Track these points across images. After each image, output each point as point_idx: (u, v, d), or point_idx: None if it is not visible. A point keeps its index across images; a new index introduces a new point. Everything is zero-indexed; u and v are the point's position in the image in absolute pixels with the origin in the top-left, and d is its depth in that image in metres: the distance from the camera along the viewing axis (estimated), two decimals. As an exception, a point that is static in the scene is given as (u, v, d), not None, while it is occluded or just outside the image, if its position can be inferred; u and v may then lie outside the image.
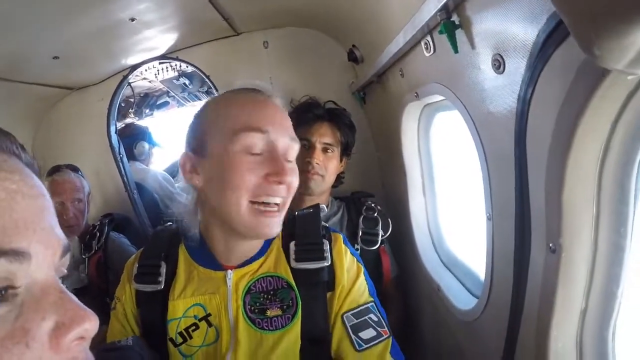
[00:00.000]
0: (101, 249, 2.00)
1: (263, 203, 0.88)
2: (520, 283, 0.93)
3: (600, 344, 0.81)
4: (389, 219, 1.75)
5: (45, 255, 0.42)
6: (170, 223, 1.13)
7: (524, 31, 0.71)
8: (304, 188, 1.71)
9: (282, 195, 0.89)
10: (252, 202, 0.88)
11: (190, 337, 0.95)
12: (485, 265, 1.13)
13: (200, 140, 0.94)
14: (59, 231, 0.45)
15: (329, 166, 1.73)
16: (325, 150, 1.74)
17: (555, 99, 0.68)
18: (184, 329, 0.95)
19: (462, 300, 1.38)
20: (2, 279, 0.37)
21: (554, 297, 0.81)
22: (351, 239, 1.70)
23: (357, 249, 1.68)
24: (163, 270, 1.00)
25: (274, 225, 0.90)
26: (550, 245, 0.79)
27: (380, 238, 1.69)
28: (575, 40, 0.47)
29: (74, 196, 1.97)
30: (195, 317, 0.95)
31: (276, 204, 0.90)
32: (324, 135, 1.74)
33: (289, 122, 0.95)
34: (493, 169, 1.00)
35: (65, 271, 0.47)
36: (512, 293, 0.97)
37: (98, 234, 2.03)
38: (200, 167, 0.93)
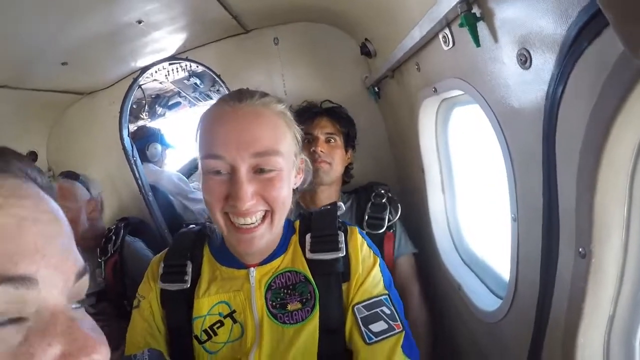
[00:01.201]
0: (117, 253, 1.99)
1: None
2: (547, 287, 0.90)
3: (627, 351, 0.79)
4: (399, 204, 1.78)
5: (57, 281, 0.41)
6: (193, 225, 1.16)
7: (552, 25, 0.66)
8: (314, 177, 1.74)
9: (249, 222, 0.89)
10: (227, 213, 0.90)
11: (215, 334, 0.97)
12: (509, 267, 1.09)
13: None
14: (74, 255, 0.44)
15: (334, 155, 1.83)
16: (328, 140, 1.85)
17: (588, 96, 0.64)
18: (208, 327, 0.98)
19: (484, 300, 1.35)
20: (10, 305, 0.37)
21: (582, 304, 0.77)
22: (358, 224, 1.73)
23: None
24: (189, 269, 1.03)
25: (254, 241, 0.90)
26: (580, 250, 0.75)
27: (386, 223, 1.73)
28: (619, 40, 0.43)
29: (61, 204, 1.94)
30: (220, 314, 0.98)
31: (250, 224, 0.90)
32: (324, 127, 1.86)
33: (259, 134, 0.89)
34: (518, 167, 0.95)
35: (84, 296, 0.46)
36: (539, 297, 0.94)
37: (114, 238, 2.02)
38: None
